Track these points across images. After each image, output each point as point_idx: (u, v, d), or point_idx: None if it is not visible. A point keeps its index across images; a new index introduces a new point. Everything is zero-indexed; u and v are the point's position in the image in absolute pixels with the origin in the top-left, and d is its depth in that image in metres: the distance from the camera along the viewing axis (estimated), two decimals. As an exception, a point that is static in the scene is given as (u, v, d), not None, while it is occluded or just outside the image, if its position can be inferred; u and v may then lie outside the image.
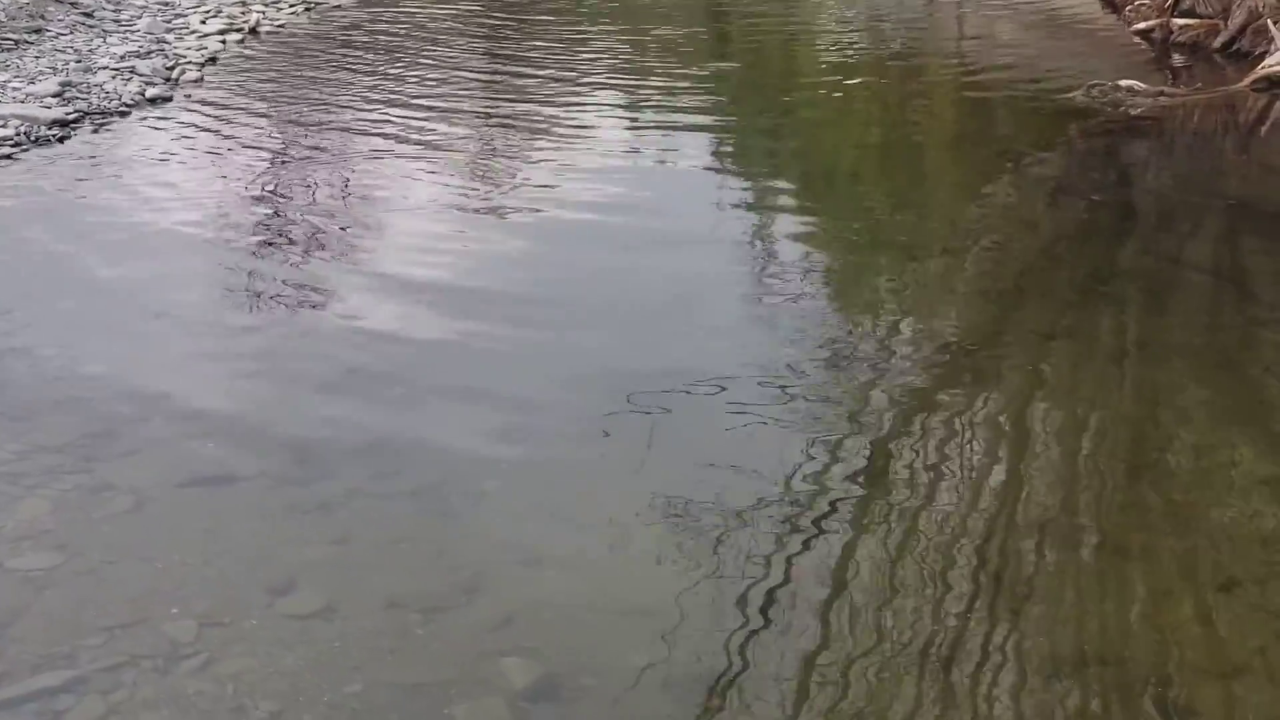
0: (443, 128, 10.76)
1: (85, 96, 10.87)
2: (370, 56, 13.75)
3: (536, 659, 4.02)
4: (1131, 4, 15.21)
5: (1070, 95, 11.63)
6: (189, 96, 11.56)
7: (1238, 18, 13.41)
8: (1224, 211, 8.81)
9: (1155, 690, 3.99)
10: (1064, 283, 7.47)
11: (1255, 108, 11.52)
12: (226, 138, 10.31)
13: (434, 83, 12.48)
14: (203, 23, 14.70)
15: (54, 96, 10.71)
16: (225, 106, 11.36)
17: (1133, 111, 11.24)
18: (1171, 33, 14.14)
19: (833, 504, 5.03)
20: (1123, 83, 11.72)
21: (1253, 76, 11.95)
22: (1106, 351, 6.49)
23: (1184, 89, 12.12)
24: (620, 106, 11.67)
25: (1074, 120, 11.12)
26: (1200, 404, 5.88)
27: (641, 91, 12.33)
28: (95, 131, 10.17)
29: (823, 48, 15.31)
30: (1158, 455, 5.40)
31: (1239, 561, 4.63)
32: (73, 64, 11.88)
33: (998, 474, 5.30)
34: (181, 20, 14.79)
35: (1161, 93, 11.77)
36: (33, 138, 9.72)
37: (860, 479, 5.22)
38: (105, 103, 10.84)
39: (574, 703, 3.86)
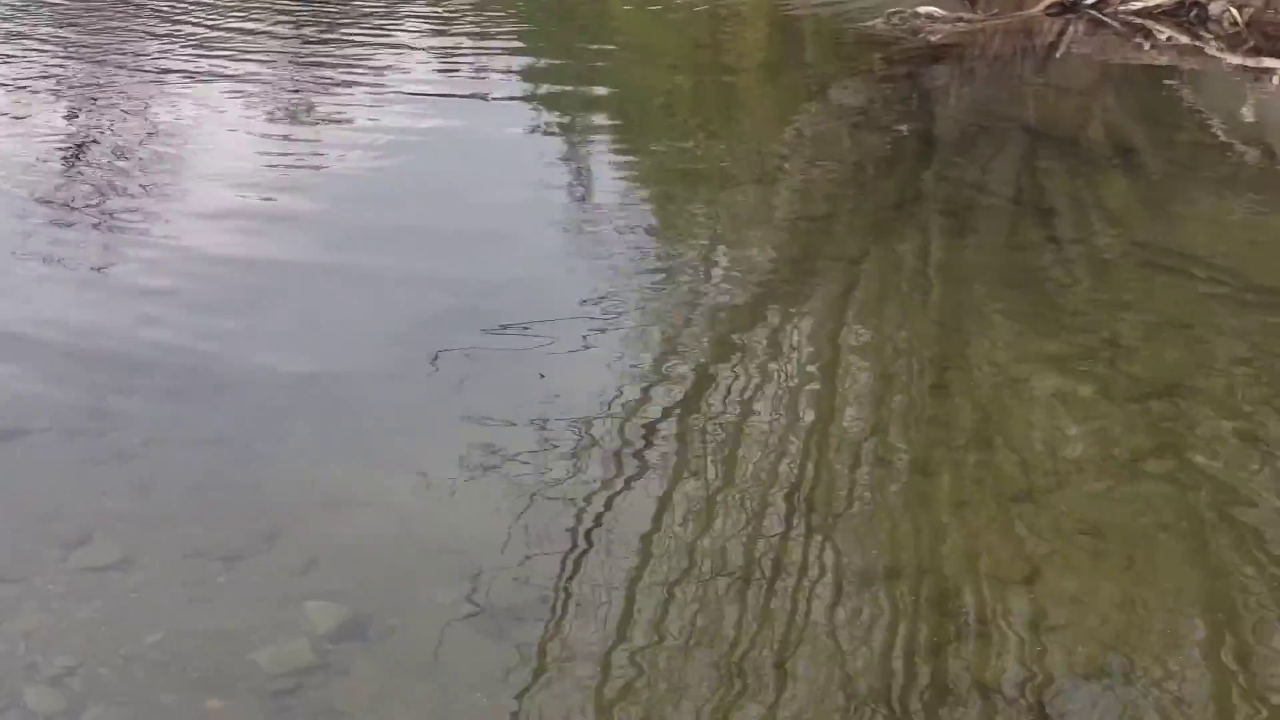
0: (252, 66, 10.49)
1: None
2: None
3: (341, 601, 3.90)
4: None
5: (871, 24, 11.75)
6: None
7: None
8: (1021, 135, 8.99)
9: (956, 598, 4.03)
10: (870, 209, 7.56)
11: (1050, 31, 11.76)
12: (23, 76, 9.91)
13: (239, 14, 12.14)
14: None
15: None
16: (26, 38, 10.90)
17: (932, 38, 11.40)
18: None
19: (651, 431, 4.99)
20: (921, 9, 11.82)
21: (1047, 1, 12.16)
22: (912, 274, 6.58)
23: (981, 14, 12.24)
24: (433, 48, 11.50)
25: (876, 48, 11.23)
26: (1001, 323, 5.97)
27: (454, 32, 12.15)
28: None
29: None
30: (961, 373, 5.49)
31: (1033, 472, 4.70)
32: None
33: (811, 396, 5.32)
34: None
35: (959, 18, 11.89)
36: None
37: (678, 405, 5.19)
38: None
39: (381, 642, 3.76)
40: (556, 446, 4.87)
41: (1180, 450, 4.83)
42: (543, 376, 5.40)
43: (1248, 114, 9.33)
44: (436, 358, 5.50)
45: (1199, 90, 9.85)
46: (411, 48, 11.25)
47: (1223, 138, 8.72)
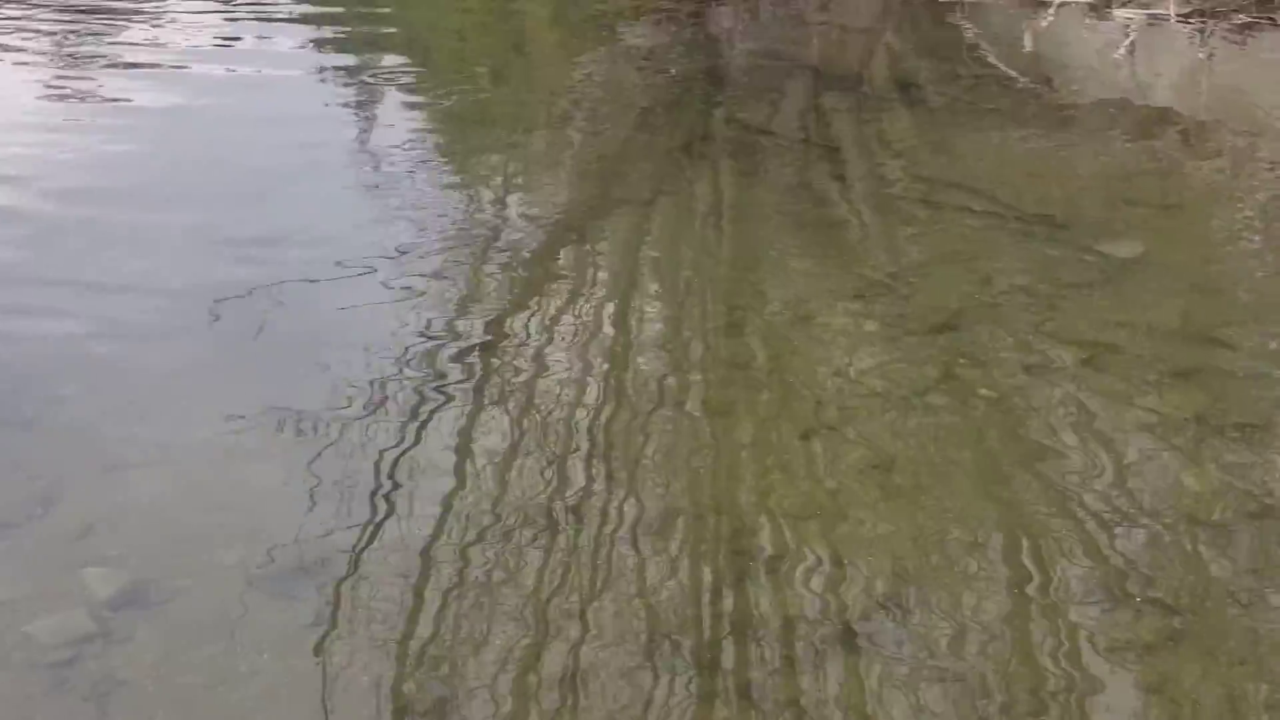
0: (18, 15, 10.04)
1: None
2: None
3: (121, 567, 3.76)
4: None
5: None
6: None
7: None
8: (807, 74, 9.10)
9: (751, 535, 4.07)
10: (660, 151, 7.57)
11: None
12: None
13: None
14: None
15: None
16: None
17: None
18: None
19: (445, 382, 4.92)
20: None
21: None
22: (704, 215, 6.62)
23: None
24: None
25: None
26: (791, 261, 6.05)
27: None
28: None
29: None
30: (753, 312, 5.52)
31: (824, 408, 4.75)
32: None
33: (608, 339, 5.31)
34: None
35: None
36: None
37: (473, 355, 5.12)
38: None
39: (164, 607, 3.62)
40: (347, 401, 4.75)
41: (966, 381, 4.92)
42: (339, 313, 5.30)
43: (1025, 46, 9.56)
44: (218, 315, 5.33)
45: (979, 24, 10.05)
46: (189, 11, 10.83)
47: (1002, 71, 8.92)
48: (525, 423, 4.70)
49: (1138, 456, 4.44)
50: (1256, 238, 6.23)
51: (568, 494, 4.27)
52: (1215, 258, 6.01)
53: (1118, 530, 4.05)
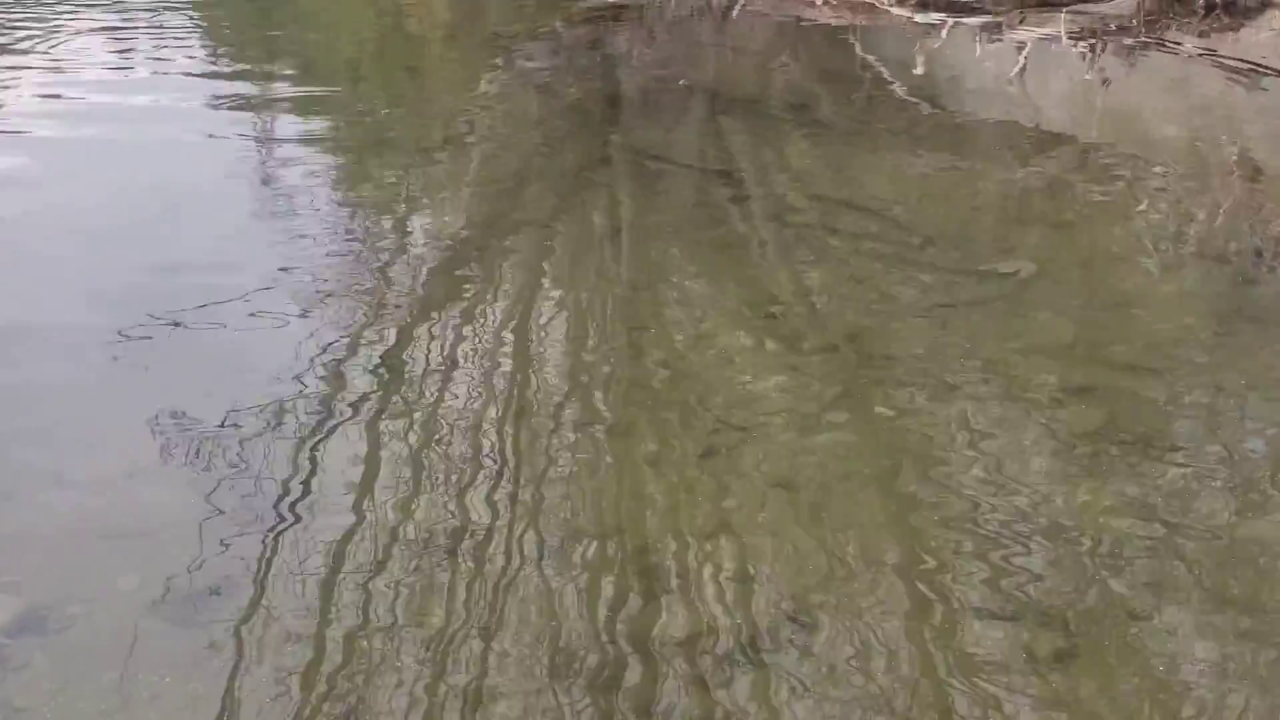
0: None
1: None
2: None
3: (16, 593, 3.74)
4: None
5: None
6: None
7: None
8: (703, 96, 9.21)
9: (654, 555, 4.12)
10: (558, 172, 7.63)
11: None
12: None
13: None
14: None
15: None
16: None
17: (610, -1, 11.58)
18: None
19: (346, 405, 4.95)
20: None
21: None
22: (603, 236, 6.68)
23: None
24: (102, 21, 11.08)
25: (557, 9, 11.34)
26: (692, 282, 6.13)
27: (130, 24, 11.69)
28: None
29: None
30: (654, 333, 5.59)
31: (724, 428, 4.82)
32: None
33: (510, 361, 5.36)
34: None
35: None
36: None
37: (374, 378, 5.16)
38: None
39: (61, 634, 3.61)
40: (248, 424, 4.77)
41: (864, 399, 5.03)
42: (238, 337, 5.33)
43: (918, 68, 9.75)
44: (117, 340, 5.33)
45: (872, 46, 10.23)
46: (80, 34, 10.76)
47: (896, 92, 9.10)
48: (426, 444, 4.73)
49: (1034, 472, 4.55)
50: (1146, 255, 6.41)
51: (470, 516, 4.30)
52: (1107, 275, 6.17)
53: (1015, 546, 4.15)
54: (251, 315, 5.60)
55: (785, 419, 4.88)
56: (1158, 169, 7.57)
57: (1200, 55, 9.20)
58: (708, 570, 4.05)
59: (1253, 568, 4.03)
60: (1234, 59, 9.06)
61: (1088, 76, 9.44)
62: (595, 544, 4.17)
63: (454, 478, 4.53)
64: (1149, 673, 3.63)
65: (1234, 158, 7.72)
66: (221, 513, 4.24)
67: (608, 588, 3.98)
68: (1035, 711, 3.53)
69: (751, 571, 4.05)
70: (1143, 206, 7.07)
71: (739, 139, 8.26)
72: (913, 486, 4.48)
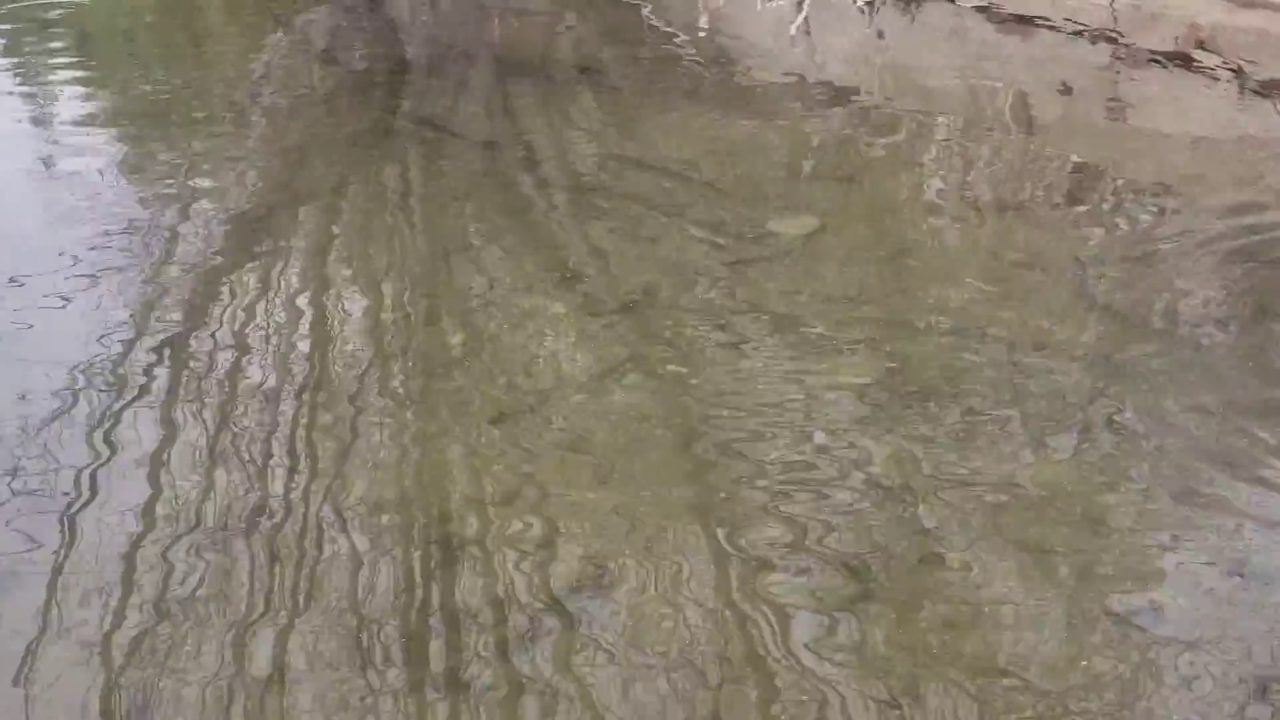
0: None
1: None
2: None
3: None
4: None
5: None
6: None
7: None
8: (489, 60, 9.22)
9: (453, 523, 4.22)
10: (345, 140, 7.59)
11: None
12: None
13: None
14: None
15: None
16: None
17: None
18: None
19: (138, 383, 4.96)
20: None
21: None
22: (394, 205, 6.69)
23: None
24: None
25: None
26: (484, 248, 6.18)
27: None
28: None
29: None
30: (449, 300, 5.66)
31: (518, 392, 4.94)
32: None
33: (301, 335, 5.40)
34: None
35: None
36: None
37: (164, 355, 5.16)
38: None
39: None
40: (34, 408, 4.76)
41: (654, 359, 5.17)
42: (19, 325, 5.28)
43: (703, 27, 9.89)
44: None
45: (657, 6, 10.35)
46: None
47: (682, 52, 9.23)
48: (218, 422, 4.75)
49: (824, 424, 4.74)
50: (928, 208, 6.64)
51: (268, 493, 4.35)
52: (889, 229, 6.39)
53: (805, 497, 4.34)
54: (29, 296, 5.55)
55: (577, 381, 5.00)
56: (940, 120, 7.82)
57: (977, 9, 9.50)
58: (506, 536, 4.15)
59: (1035, 512, 4.25)
60: (1009, 12, 9.37)
61: (867, 31, 9.69)
62: (392, 515, 4.24)
63: (248, 456, 4.56)
64: (943, 615, 3.83)
65: (1010, 108, 8.03)
66: (9, 500, 4.24)
67: (408, 559, 4.06)
68: (830, 657, 3.70)
69: (549, 535, 4.16)
70: (925, 159, 7.32)
71: (527, 103, 8.31)
72: (705, 445, 4.63)
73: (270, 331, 5.44)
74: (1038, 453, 4.54)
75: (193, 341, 5.31)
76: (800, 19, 9.72)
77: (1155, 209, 6.51)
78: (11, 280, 5.68)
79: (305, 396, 4.93)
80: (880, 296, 5.64)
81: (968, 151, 7.41)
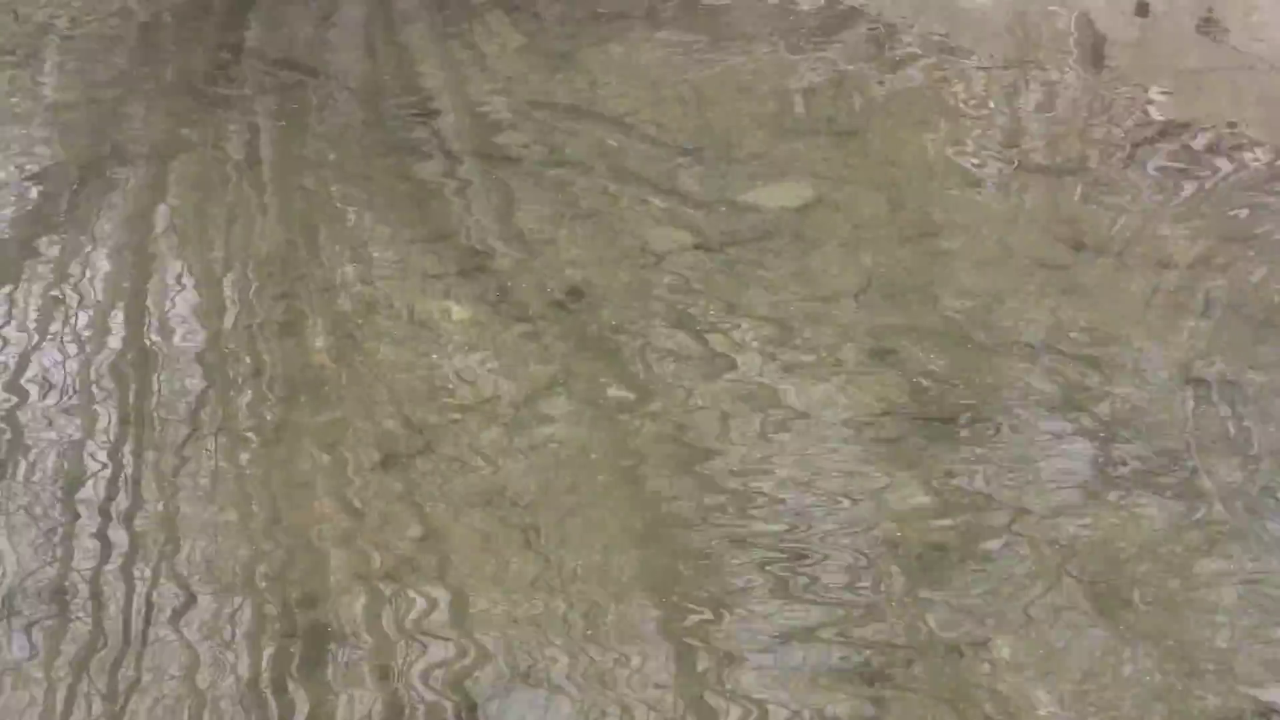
0: None
1: None
2: None
3: None
4: None
5: None
6: None
7: None
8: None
9: (321, 604, 4.22)
10: (173, 86, 7.62)
11: None
12: None
13: None
14: None
15: None
16: None
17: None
18: None
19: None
20: None
21: None
22: (241, 173, 6.68)
23: None
24: None
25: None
26: (363, 231, 6.19)
27: None
28: None
29: None
30: (313, 299, 5.68)
31: (407, 427, 4.93)
32: None
33: (118, 346, 5.43)
34: None
35: None
36: None
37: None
38: None
39: None
40: None
41: (591, 378, 5.18)
42: None
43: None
44: None
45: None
46: None
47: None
48: (10, 461, 4.77)
49: (822, 468, 4.73)
50: (961, 173, 6.65)
51: (67, 568, 4.33)
52: (908, 201, 6.39)
53: (797, 569, 4.32)
54: None
55: (489, 410, 5.00)
56: (972, 56, 7.84)
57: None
58: (395, 623, 4.13)
59: (1102, 563, 4.27)
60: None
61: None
62: (245, 595, 4.23)
63: (51, 507, 4.58)
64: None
65: (1071, 37, 8.06)
66: None
67: (257, 659, 4.04)
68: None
69: (454, 620, 4.15)
70: (956, 106, 7.33)
71: (419, 33, 8.30)
72: (663, 495, 4.62)
73: (67, 343, 5.46)
74: (1119, 511, 4.55)
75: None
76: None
77: (1267, 165, 6.54)
78: None
79: (116, 435, 4.92)
80: (897, 292, 5.65)
81: (1013, 94, 7.43)
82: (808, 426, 4.92)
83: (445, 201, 6.44)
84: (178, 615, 4.16)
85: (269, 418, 5.00)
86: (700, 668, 4.00)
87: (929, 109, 7.30)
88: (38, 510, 4.57)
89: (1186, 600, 4.14)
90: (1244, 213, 6.19)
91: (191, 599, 4.22)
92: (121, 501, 4.63)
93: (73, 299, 5.71)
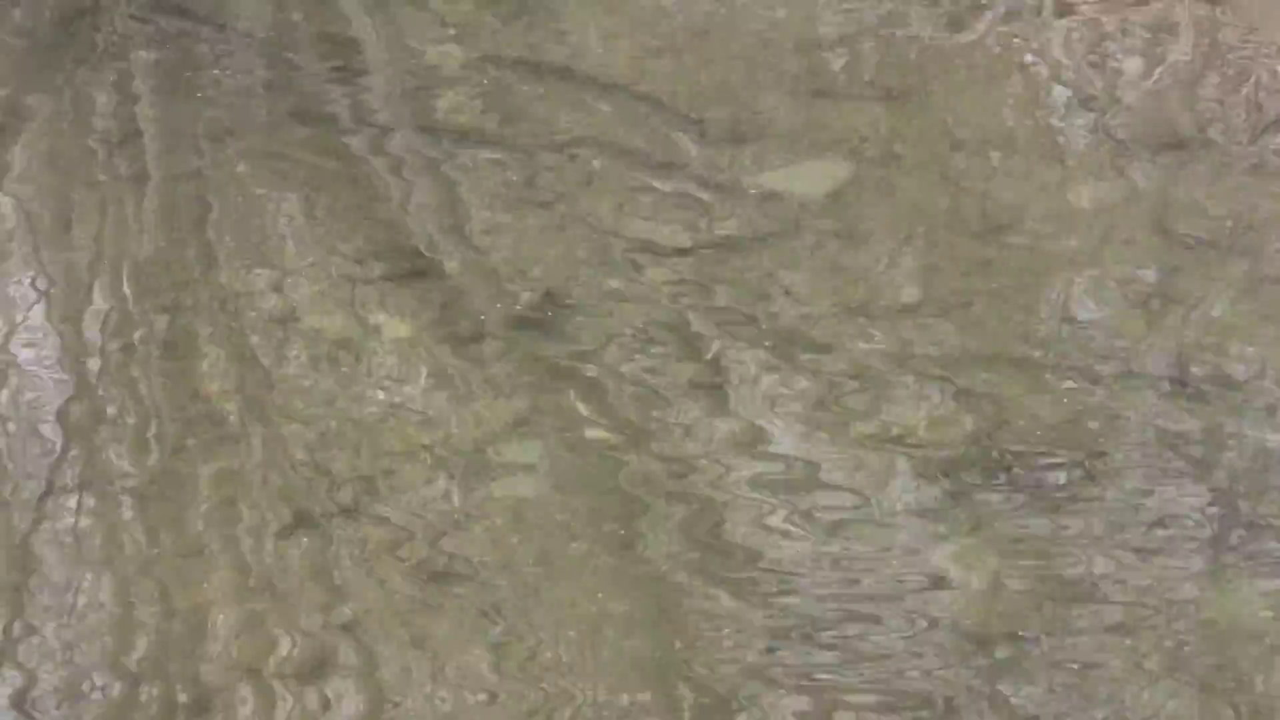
0: None
1: None
2: None
3: None
4: None
5: None
6: None
7: None
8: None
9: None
10: (13, 33, 7.61)
11: None
12: None
13: None
14: None
15: None
16: None
17: None
18: None
19: None
20: None
21: None
22: (109, 148, 6.70)
23: None
24: None
25: None
26: (270, 225, 6.24)
27: None
28: None
29: None
30: (208, 313, 5.71)
31: (330, 480, 4.96)
32: None
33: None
34: None
35: None
36: None
37: None
38: None
39: None
40: None
41: (568, 413, 5.21)
42: None
43: None
44: None
45: None
46: None
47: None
48: None
49: (864, 530, 4.76)
50: (1042, 148, 6.66)
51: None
52: (971, 183, 6.40)
53: (839, 666, 4.36)
54: None
55: (433, 457, 5.01)
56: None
57: None
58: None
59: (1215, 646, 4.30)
60: None
61: None
62: (117, 695, 4.26)
63: None
64: None
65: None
66: None
67: None
68: None
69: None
70: (1032, 59, 7.35)
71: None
72: (656, 572, 4.63)
73: None
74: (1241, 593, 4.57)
75: None
76: None
77: None
78: None
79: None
80: (959, 303, 5.66)
81: (1108, 44, 7.45)
82: (847, 480, 4.92)
83: (375, 186, 6.45)
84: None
85: (148, 467, 5.02)
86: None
87: (1001, 65, 7.32)
88: None
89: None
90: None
91: (46, 700, 4.23)
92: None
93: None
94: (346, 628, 4.43)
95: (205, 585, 4.57)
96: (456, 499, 4.85)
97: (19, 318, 5.72)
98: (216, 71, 7.25)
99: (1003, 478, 4.88)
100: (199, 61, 7.33)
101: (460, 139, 6.70)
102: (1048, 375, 5.30)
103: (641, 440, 5.05)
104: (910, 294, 5.69)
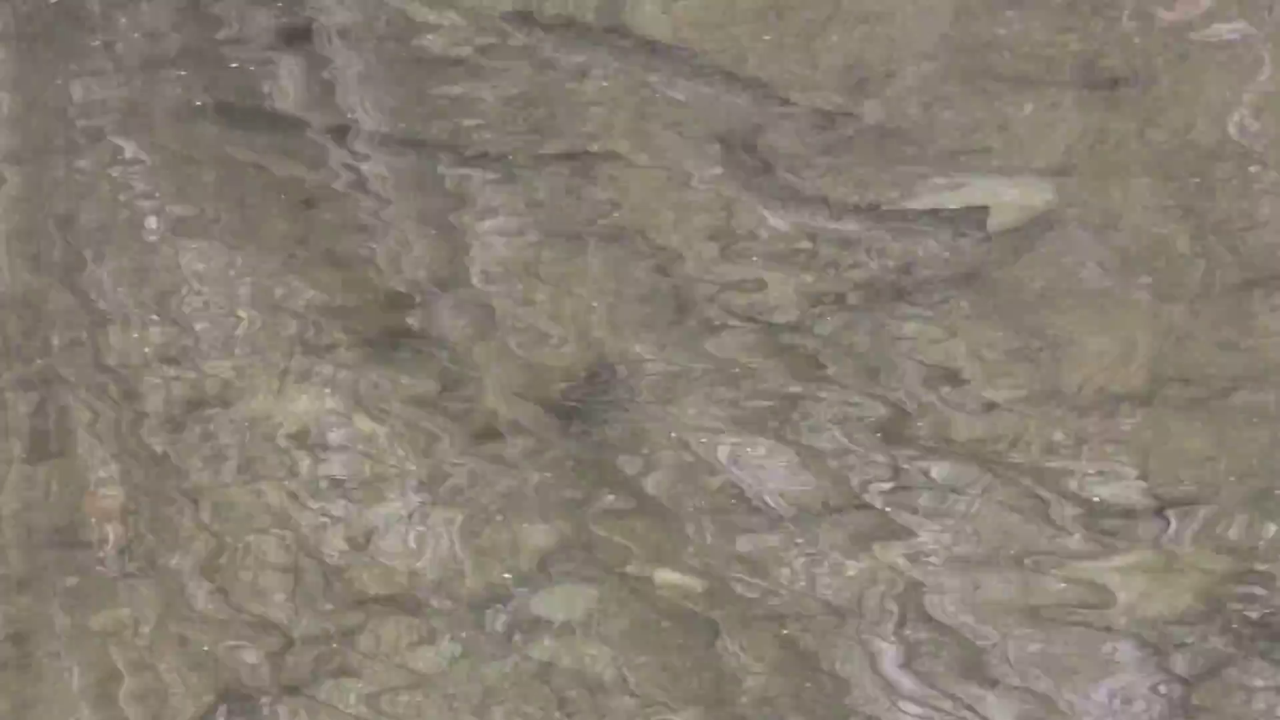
0: None
1: None
2: None
3: None
4: None
5: None
6: None
7: None
8: None
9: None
10: None
11: None
12: None
13: None
14: None
15: None
16: None
17: None
18: None
19: None
20: None
21: None
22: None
23: None
24: None
25: None
26: (207, 266, 6.29)
27: None
28: None
29: None
30: (81, 350, 5.82)
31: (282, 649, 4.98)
32: None
33: None
34: None
35: None
36: None
37: None
38: None
39: None
40: None
41: (621, 549, 5.18)
42: None
43: None
44: None
45: None
46: None
47: None
48: None
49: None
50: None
51: None
52: (1220, 201, 6.41)
53: None
54: None
55: (423, 606, 5.03)
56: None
57: None
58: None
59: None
60: None
61: None
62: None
63: None
64: None
65: None
66: None
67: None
68: None
69: None
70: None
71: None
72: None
73: None
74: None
75: None
76: None
77: None
78: None
79: None
80: (1213, 392, 5.66)
81: None
82: (1046, 638, 4.93)
83: (338, 205, 6.49)
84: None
85: (8, 618, 5.05)
86: None
87: (1244, 49, 7.37)
88: None
89: None
90: None
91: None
92: None
93: None
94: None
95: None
96: (461, 667, 4.85)
97: None
98: (109, 36, 7.37)
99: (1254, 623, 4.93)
100: (83, 22, 7.44)
101: (464, 138, 6.77)
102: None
103: (727, 584, 5.05)
104: (1135, 374, 5.70)
